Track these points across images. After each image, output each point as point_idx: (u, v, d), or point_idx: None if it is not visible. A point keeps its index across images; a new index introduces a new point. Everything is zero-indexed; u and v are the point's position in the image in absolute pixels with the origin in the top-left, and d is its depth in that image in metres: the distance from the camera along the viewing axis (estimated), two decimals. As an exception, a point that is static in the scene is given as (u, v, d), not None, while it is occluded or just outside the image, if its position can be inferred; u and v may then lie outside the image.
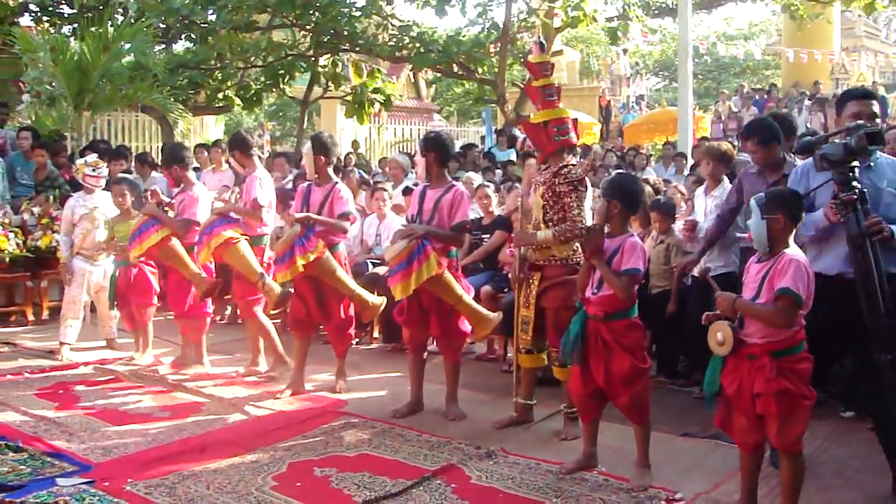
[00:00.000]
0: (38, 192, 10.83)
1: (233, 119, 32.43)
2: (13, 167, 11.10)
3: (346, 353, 7.24)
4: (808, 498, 4.54)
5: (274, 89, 19.80)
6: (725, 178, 6.99)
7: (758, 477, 4.49)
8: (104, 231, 8.22)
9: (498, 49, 18.25)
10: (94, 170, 8.43)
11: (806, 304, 4.20)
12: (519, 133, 6.84)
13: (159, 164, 12.60)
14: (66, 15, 18.05)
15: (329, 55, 19.40)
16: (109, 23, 14.47)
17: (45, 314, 9.96)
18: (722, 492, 4.87)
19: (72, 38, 14.05)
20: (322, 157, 6.97)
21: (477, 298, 6.84)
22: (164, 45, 17.81)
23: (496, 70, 18.49)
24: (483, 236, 8.43)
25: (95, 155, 9.03)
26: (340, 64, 19.84)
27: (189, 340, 7.90)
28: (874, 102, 5.19)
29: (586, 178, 5.93)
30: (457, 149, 15.05)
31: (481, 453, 5.52)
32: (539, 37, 7.04)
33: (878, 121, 5.10)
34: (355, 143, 23.15)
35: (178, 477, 5.15)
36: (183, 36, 19.03)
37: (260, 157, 8.07)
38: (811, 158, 5.03)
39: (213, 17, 18.08)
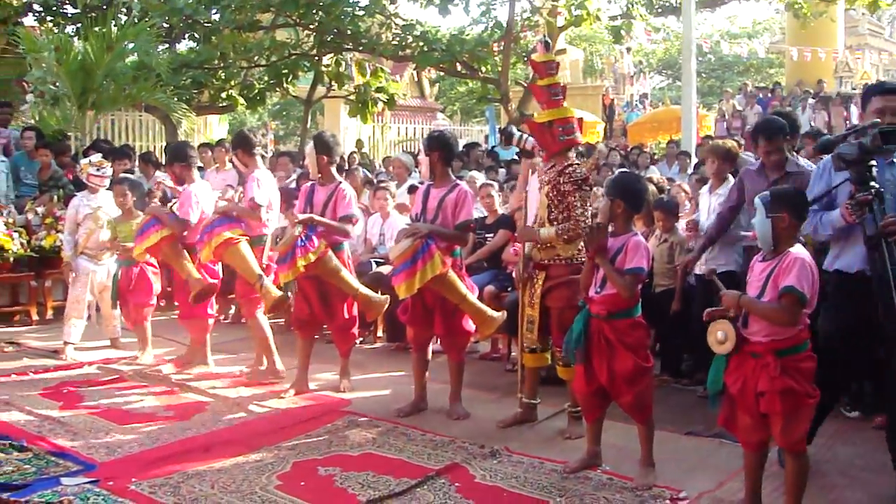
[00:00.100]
0: (41, 191, 10.85)
1: (236, 118, 32.50)
2: (17, 167, 11.11)
3: (349, 353, 7.25)
4: (812, 497, 4.53)
5: (277, 88, 19.84)
6: (730, 177, 6.98)
7: (762, 475, 4.49)
8: (107, 231, 8.22)
9: (501, 48, 18.27)
10: (98, 169, 8.44)
11: (810, 302, 4.19)
12: (515, 130, 6.85)
13: (163, 163, 12.64)
14: (69, 15, 18.08)
15: (332, 54, 19.43)
16: (113, 22, 14.50)
17: (49, 314, 9.97)
18: (726, 490, 4.86)
19: (75, 38, 14.05)
20: (325, 157, 6.96)
21: (481, 297, 6.84)
22: (167, 45, 17.85)
23: (500, 69, 18.50)
24: (486, 235, 8.43)
25: (100, 155, 9.03)
26: (344, 63, 19.87)
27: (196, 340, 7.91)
28: None
29: (591, 177, 5.93)
30: (460, 148, 15.04)
31: (485, 452, 5.52)
32: (544, 35, 7.05)
33: None
34: (359, 143, 23.18)
35: (182, 476, 5.15)
36: (186, 35, 19.07)
37: (263, 157, 8.08)
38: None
39: (216, 17, 18.11)
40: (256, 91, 19.22)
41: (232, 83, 18.77)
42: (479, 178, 10.05)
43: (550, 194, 5.76)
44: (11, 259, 9.55)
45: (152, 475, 5.15)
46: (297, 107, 27.99)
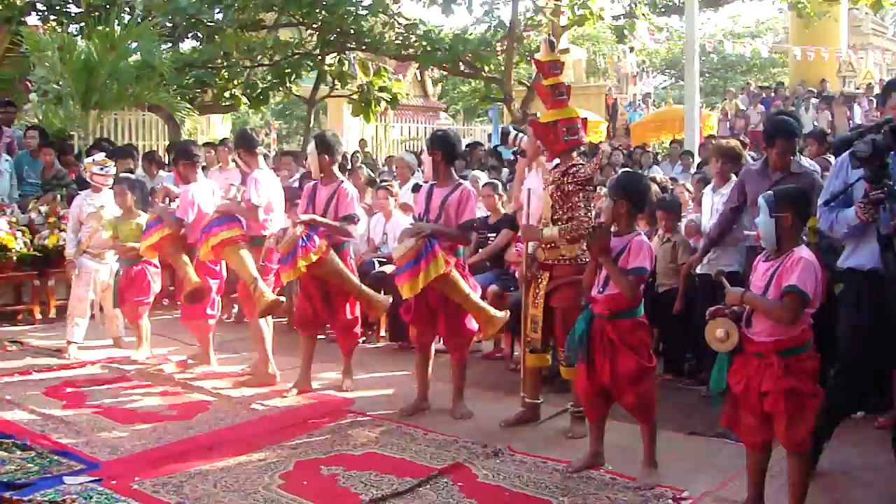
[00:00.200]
0: (45, 190, 10.85)
1: (239, 118, 32.53)
2: (20, 166, 11.13)
3: (352, 352, 7.25)
4: (816, 496, 4.53)
5: (280, 88, 19.84)
6: (733, 176, 6.98)
7: (765, 475, 4.49)
8: (106, 231, 8.21)
9: (504, 47, 18.26)
10: (101, 168, 8.45)
11: (813, 302, 4.19)
12: (511, 130, 6.85)
13: (166, 162, 12.67)
14: (73, 14, 18.09)
15: (335, 54, 19.44)
16: (116, 22, 14.54)
17: (53, 313, 9.96)
18: (729, 490, 4.86)
19: (79, 38, 14.03)
20: (326, 156, 6.95)
21: (484, 297, 6.84)
22: (170, 44, 17.83)
23: (503, 68, 18.51)
24: (489, 235, 8.43)
25: (103, 154, 9.04)
26: (347, 62, 19.88)
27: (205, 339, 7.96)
28: None
29: (595, 178, 5.93)
30: (463, 147, 15.04)
31: (488, 452, 5.52)
32: (549, 35, 7.06)
33: None
34: (362, 142, 23.18)
35: (185, 475, 5.15)
36: (190, 35, 19.07)
37: (266, 156, 8.07)
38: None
39: (219, 16, 18.13)
40: (259, 90, 19.23)
41: (235, 82, 18.79)
42: (482, 177, 10.05)
43: (555, 195, 5.76)
44: (15, 258, 9.55)
45: (155, 474, 5.15)
46: (301, 106, 28.02)
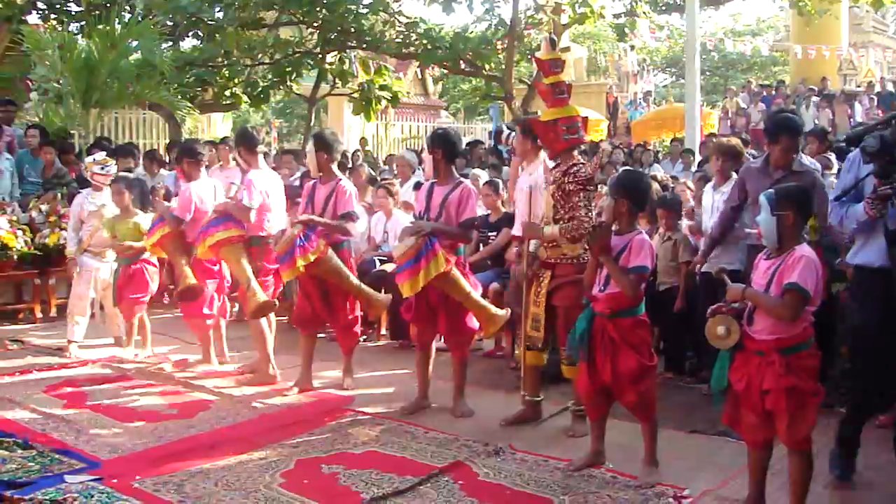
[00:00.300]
0: (45, 189, 10.85)
1: (240, 116, 32.54)
2: (21, 165, 11.13)
3: (353, 351, 7.25)
4: (817, 495, 4.53)
5: (281, 86, 19.83)
6: (734, 174, 6.97)
7: (766, 474, 4.49)
8: (103, 231, 8.19)
9: (505, 45, 18.25)
10: (102, 168, 8.46)
11: (813, 300, 4.19)
12: (505, 129, 6.85)
13: (167, 161, 12.66)
14: (73, 13, 18.08)
15: (336, 52, 19.43)
16: (117, 20, 14.51)
17: (53, 311, 9.98)
18: (730, 489, 4.86)
19: (79, 36, 14.03)
20: (325, 154, 6.96)
21: (485, 295, 6.84)
22: (171, 43, 17.83)
23: (503, 67, 18.50)
24: (490, 234, 8.42)
25: (104, 153, 9.03)
26: (347, 61, 19.86)
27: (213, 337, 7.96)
28: None
29: (595, 177, 5.92)
30: (464, 145, 15.04)
31: (489, 450, 5.52)
32: (550, 33, 7.06)
33: None
34: (363, 140, 23.17)
35: (186, 474, 5.15)
36: (190, 33, 19.06)
37: (267, 155, 8.07)
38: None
39: (220, 15, 18.12)
40: (260, 89, 19.21)
41: (236, 81, 18.78)
42: (483, 175, 10.04)
43: (556, 194, 5.76)
44: (15, 257, 9.56)
45: (156, 473, 5.15)
46: (301, 105, 28.01)
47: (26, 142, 11.58)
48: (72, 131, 13.39)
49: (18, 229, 9.71)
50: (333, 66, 19.67)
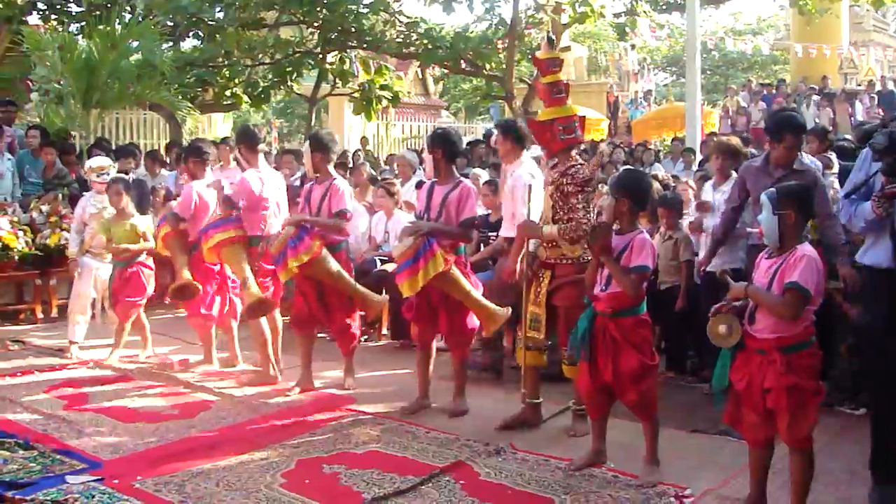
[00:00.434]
0: (46, 190, 10.85)
1: (241, 117, 32.54)
2: (22, 165, 11.14)
3: (352, 352, 7.23)
4: (818, 494, 4.53)
5: (282, 86, 19.84)
6: (734, 173, 6.97)
7: (767, 473, 4.48)
8: (100, 233, 8.17)
9: (506, 45, 18.24)
10: (98, 175, 8.46)
11: (814, 299, 4.19)
12: (494, 131, 6.87)
13: (167, 161, 12.67)
14: (74, 13, 18.09)
15: (337, 52, 19.43)
16: (117, 21, 14.52)
17: (55, 312, 9.98)
18: (731, 488, 4.86)
19: (80, 37, 14.04)
20: (320, 154, 6.98)
21: (486, 295, 6.83)
22: (171, 43, 17.84)
23: (504, 66, 18.49)
24: (490, 234, 8.41)
25: (101, 158, 8.96)
26: (348, 61, 19.86)
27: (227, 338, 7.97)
28: None
29: (594, 178, 5.91)
30: (464, 145, 15.04)
31: (490, 450, 5.52)
32: (548, 32, 7.06)
33: None
34: (364, 140, 23.17)
35: (187, 474, 5.15)
36: (191, 34, 19.06)
37: (268, 154, 8.07)
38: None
39: (220, 15, 18.12)
40: (261, 89, 19.22)
41: (236, 81, 18.78)
42: (483, 175, 10.03)
43: (554, 195, 5.73)
44: (16, 257, 9.57)
45: (157, 473, 5.15)
46: (302, 105, 28.03)
47: (27, 142, 11.59)
48: (72, 132, 13.39)
49: (19, 230, 9.72)
50: (334, 66, 19.67)
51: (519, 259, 6.45)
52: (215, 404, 6.73)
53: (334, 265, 6.80)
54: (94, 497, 4.80)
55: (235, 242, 7.13)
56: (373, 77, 19.88)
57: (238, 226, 7.16)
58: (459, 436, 5.82)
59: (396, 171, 11.58)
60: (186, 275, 7.46)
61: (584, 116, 6.25)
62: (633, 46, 30.06)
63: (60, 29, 15.81)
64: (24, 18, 16.74)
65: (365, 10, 18.10)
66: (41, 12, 18.20)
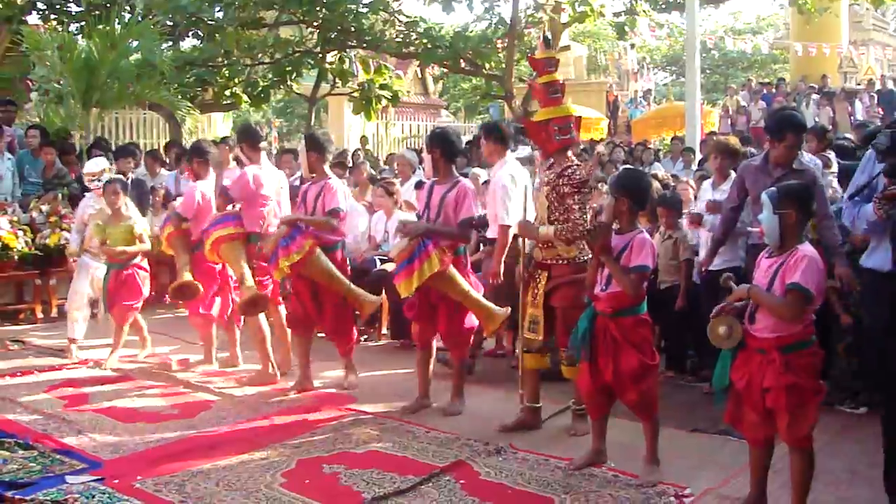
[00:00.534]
0: (46, 190, 10.85)
1: (240, 116, 32.51)
2: (22, 165, 11.15)
3: (350, 351, 7.22)
4: (818, 493, 4.53)
5: (281, 86, 19.84)
6: (733, 173, 6.97)
7: (767, 472, 4.48)
8: (94, 235, 8.15)
9: (505, 44, 18.24)
10: (91, 181, 8.49)
11: (815, 300, 4.19)
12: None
13: (167, 160, 12.66)
14: (73, 13, 18.08)
15: (336, 52, 19.43)
16: (117, 21, 14.51)
17: (54, 312, 9.98)
18: (731, 487, 4.86)
19: (79, 37, 14.04)
20: (315, 154, 6.99)
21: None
22: (171, 43, 17.84)
23: (503, 66, 18.49)
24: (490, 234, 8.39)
25: (94, 162, 8.90)
26: (348, 60, 19.86)
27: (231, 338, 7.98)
28: None
29: (590, 180, 5.91)
30: (463, 144, 15.03)
31: (490, 449, 5.52)
32: (545, 32, 7.07)
33: None
34: (363, 139, 23.16)
35: (187, 474, 5.15)
36: (190, 33, 19.06)
37: (268, 154, 8.07)
38: None
39: (220, 15, 18.12)
40: (260, 88, 19.22)
41: (236, 81, 18.78)
42: (483, 174, 10.01)
43: (550, 196, 5.70)
44: (16, 257, 9.57)
45: (157, 473, 5.15)
46: (301, 104, 28.01)
47: (27, 142, 11.60)
48: (72, 132, 13.38)
49: (19, 230, 9.72)
50: (333, 66, 19.67)
51: (502, 260, 6.52)
52: (215, 404, 6.73)
53: (327, 265, 6.79)
54: (94, 497, 4.80)
55: (234, 239, 7.14)
56: (372, 76, 19.88)
57: (238, 223, 7.18)
58: (459, 435, 5.82)
59: (396, 171, 11.58)
60: (187, 275, 7.47)
61: (581, 117, 6.25)
62: (632, 45, 30.07)
63: (60, 29, 15.80)
64: (23, 18, 16.74)
65: (364, 10, 18.10)
66: (41, 12, 18.20)
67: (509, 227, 6.58)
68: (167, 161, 12.82)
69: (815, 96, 21.95)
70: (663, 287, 7.26)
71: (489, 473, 5.14)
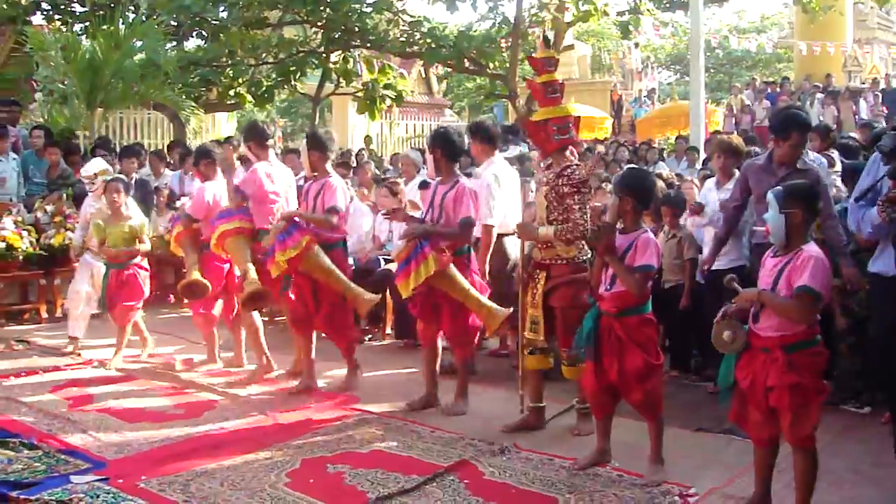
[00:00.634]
0: (50, 190, 10.88)
1: (245, 116, 32.52)
2: (26, 165, 11.16)
3: (352, 350, 7.20)
4: (822, 493, 4.52)
5: (285, 86, 19.86)
6: (737, 172, 6.95)
7: (772, 472, 4.48)
8: (94, 235, 8.16)
9: (509, 44, 18.23)
10: (88, 182, 8.50)
11: (824, 299, 4.19)
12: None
13: (170, 161, 12.67)
14: (77, 13, 18.10)
15: (340, 51, 19.43)
16: (121, 21, 14.54)
17: (59, 312, 9.98)
18: (736, 487, 4.85)
19: (83, 37, 14.12)
20: (316, 153, 7.01)
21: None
22: (175, 43, 17.85)
23: (507, 65, 18.46)
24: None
25: (90, 165, 8.90)
26: (352, 60, 19.86)
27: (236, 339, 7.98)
28: None
29: (590, 179, 5.90)
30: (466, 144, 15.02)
31: (494, 449, 5.52)
32: (544, 31, 7.08)
33: None
34: (367, 139, 23.17)
35: (191, 474, 5.16)
36: (194, 33, 19.07)
37: (277, 154, 8.09)
38: None
39: (224, 15, 18.13)
40: (264, 88, 19.24)
41: (240, 81, 18.79)
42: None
43: (549, 196, 5.69)
44: (21, 257, 9.58)
45: (162, 473, 5.16)
46: (306, 104, 28.02)
47: (31, 142, 11.61)
48: (76, 132, 13.41)
49: (24, 230, 9.73)
50: (337, 66, 19.68)
51: (486, 259, 6.58)
52: (220, 404, 6.74)
53: (325, 261, 6.78)
54: (98, 497, 4.81)
55: (240, 233, 7.15)
56: (376, 76, 19.88)
57: (245, 218, 7.19)
58: (464, 435, 5.82)
59: (400, 171, 11.57)
60: (196, 273, 7.48)
61: (580, 117, 6.25)
62: (636, 45, 30.05)
63: (64, 29, 15.85)
64: (27, 19, 16.77)
65: (368, 10, 18.10)
66: (45, 12, 18.21)
67: (492, 226, 6.61)
68: (171, 161, 12.83)
69: (819, 95, 21.91)
70: (667, 286, 7.25)
71: (493, 473, 5.13)
